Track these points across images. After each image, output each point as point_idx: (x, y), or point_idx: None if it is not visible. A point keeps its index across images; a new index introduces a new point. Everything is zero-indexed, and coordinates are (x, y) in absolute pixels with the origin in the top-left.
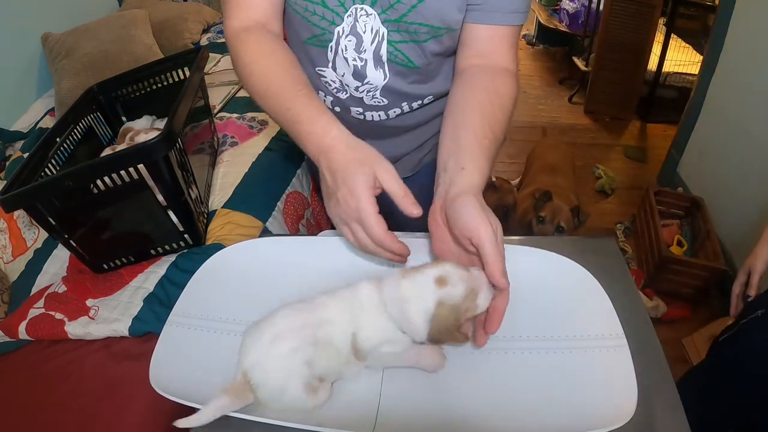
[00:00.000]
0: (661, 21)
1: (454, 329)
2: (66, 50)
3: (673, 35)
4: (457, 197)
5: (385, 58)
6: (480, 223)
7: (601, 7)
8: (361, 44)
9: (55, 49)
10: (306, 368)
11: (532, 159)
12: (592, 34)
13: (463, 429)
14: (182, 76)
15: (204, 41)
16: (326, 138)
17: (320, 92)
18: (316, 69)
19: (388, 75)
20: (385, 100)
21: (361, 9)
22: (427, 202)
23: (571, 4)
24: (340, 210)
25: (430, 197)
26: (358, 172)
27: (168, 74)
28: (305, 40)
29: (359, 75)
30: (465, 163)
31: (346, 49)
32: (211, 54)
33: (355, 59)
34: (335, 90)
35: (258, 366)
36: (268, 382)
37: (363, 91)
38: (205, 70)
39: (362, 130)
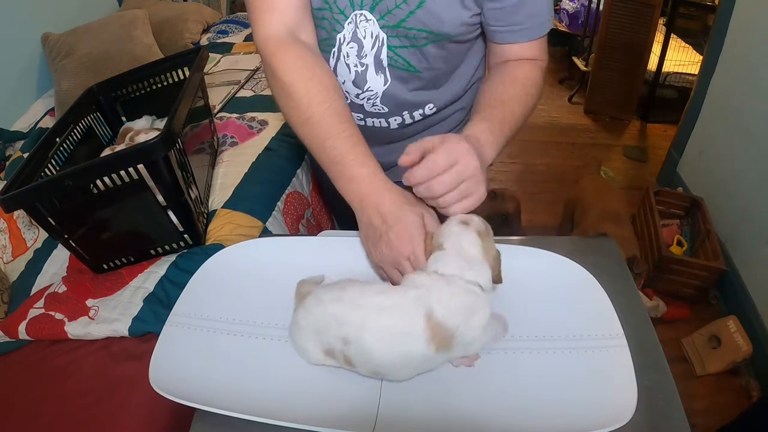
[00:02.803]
0: (661, 21)
1: (498, 256)
2: (66, 50)
3: (673, 35)
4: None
5: (385, 63)
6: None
7: (601, 7)
8: (362, 49)
9: (55, 49)
10: (341, 342)
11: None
12: (592, 34)
13: (463, 429)
14: (182, 76)
15: (204, 41)
16: (377, 182)
17: None
18: None
19: (389, 80)
20: (385, 107)
21: (361, 14)
22: None
23: (571, 4)
24: (391, 250)
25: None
26: (412, 213)
27: (168, 74)
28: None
29: (360, 82)
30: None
31: (347, 56)
32: (211, 54)
33: (356, 65)
34: None
35: (318, 301)
36: (312, 317)
37: (363, 99)
38: (205, 70)
39: (364, 136)
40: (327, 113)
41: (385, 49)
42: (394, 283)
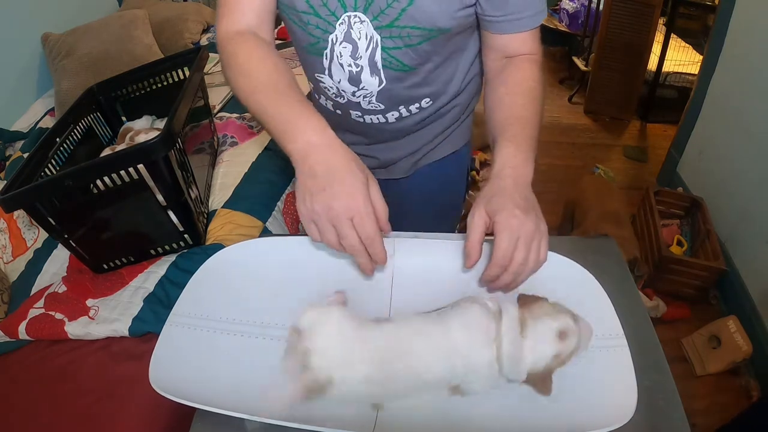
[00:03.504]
0: (661, 21)
1: (549, 376)
2: (66, 50)
3: (673, 35)
4: (490, 199)
5: (380, 65)
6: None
7: (601, 7)
8: (356, 51)
9: (55, 49)
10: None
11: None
12: (592, 34)
13: (463, 429)
14: (182, 76)
15: (204, 41)
16: (320, 134)
17: (321, 96)
18: (315, 75)
19: (384, 81)
20: (381, 105)
21: (355, 16)
22: (419, 204)
23: (571, 4)
24: (331, 205)
25: (422, 198)
26: (357, 171)
27: (168, 74)
28: (303, 46)
29: (355, 80)
30: (492, 161)
31: (341, 56)
32: (211, 54)
33: (350, 65)
34: (333, 95)
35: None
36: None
37: (359, 96)
38: (205, 70)
39: (362, 131)
40: (275, 81)
41: (379, 51)
42: (329, 243)
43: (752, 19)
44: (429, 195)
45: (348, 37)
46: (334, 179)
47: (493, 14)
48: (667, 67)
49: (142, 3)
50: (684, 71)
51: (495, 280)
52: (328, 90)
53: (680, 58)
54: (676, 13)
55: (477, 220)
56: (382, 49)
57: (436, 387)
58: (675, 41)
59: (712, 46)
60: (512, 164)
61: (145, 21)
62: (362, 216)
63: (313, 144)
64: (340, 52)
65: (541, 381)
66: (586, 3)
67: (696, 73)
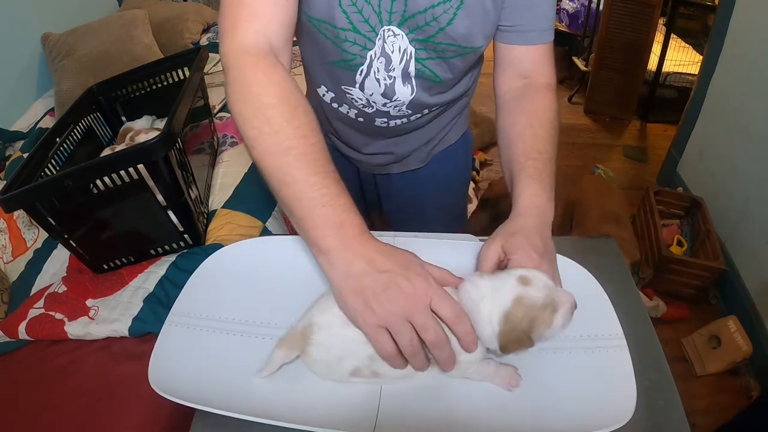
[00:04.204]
0: (661, 21)
1: (524, 336)
2: (66, 50)
3: (673, 35)
4: (510, 236)
5: (413, 74)
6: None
7: (601, 7)
8: (390, 63)
9: (55, 49)
10: (366, 360)
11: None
12: (592, 34)
13: (463, 429)
14: (182, 76)
15: (204, 41)
16: (365, 231)
17: (345, 105)
18: (342, 87)
19: (415, 89)
20: (409, 111)
21: (389, 30)
22: (437, 190)
23: (571, 4)
24: (408, 297)
25: (439, 183)
26: (410, 253)
27: (168, 74)
28: (330, 61)
29: (388, 93)
30: (516, 197)
31: (378, 71)
32: (211, 54)
33: (385, 78)
34: (362, 105)
35: (329, 330)
36: (329, 349)
37: (390, 107)
38: (205, 70)
39: (381, 132)
40: (312, 149)
41: (413, 62)
42: (415, 365)
43: (752, 19)
44: (444, 177)
45: (383, 52)
46: (399, 269)
47: (503, 23)
48: (667, 67)
49: (142, 3)
50: (684, 71)
51: None
52: (356, 101)
53: (680, 58)
54: (676, 13)
55: (492, 253)
56: (416, 60)
57: None
58: (675, 41)
59: (712, 46)
60: (537, 204)
61: (145, 21)
62: (439, 300)
63: (351, 237)
64: (377, 68)
65: (515, 341)
66: (586, 3)
67: (696, 73)
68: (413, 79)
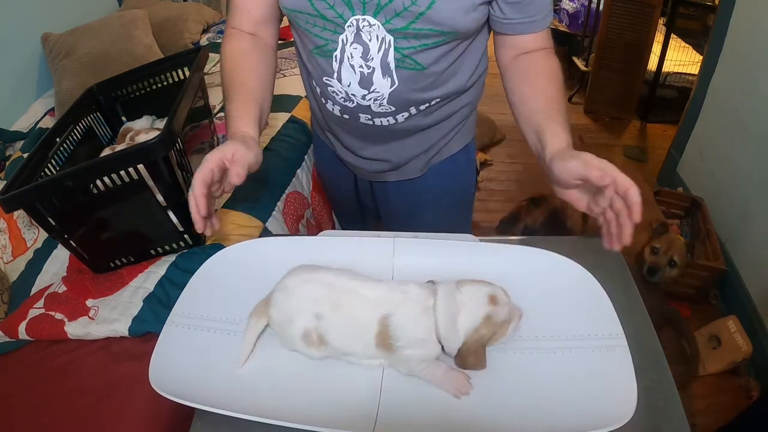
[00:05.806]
0: (661, 21)
1: (481, 349)
2: (66, 50)
3: (673, 35)
4: (551, 161)
5: (392, 66)
6: (577, 166)
7: (601, 7)
8: (368, 53)
9: (55, 49)
10: (313, 320)
11: None
12: (592, 34)
13: (463, 429)
14: (182, 76)
15: (204, 41)
16: (237, 133)
17: (328, 101)
18: (324, 79)
19: (396, 82)
20: (392, 107)
21: (363, 20)
22: (434, 201)
23: (571, 4)
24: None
25: (437, 196)
26: (227, 144)
27: (168, 74)
28: (311, 50)
29: (366, 83)
30: (546, 138)
31: (352, 57)
32: (211, 54)
33: (362, 66)
34: (342, 99)
35: (285, 290)
36: (282, 308)
37: (370, 100)
38: (205, 70)
39: (371, 133)
40: (234, 81)
41: (392, 52)
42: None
43: (752, 19)
44: (442, 191)
45: (358, 39)
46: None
47: (513, 17)
48: (667, 67)
49: (142, 3)
50: (684, 71)
51: (600, 179)
52: (337, 95)
53: (680, 58)
54: (676, 13)
55: (574, 168)
56: (395, 49)
57: (368, 326)
58: (675, 41)
59: (712, 46)
60: (570, 143)
61: (145, 21)
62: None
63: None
64: (351, 54)
65: (473, 353)
66: (586, 3)
67: (696, 73)
68: (394, 71)
